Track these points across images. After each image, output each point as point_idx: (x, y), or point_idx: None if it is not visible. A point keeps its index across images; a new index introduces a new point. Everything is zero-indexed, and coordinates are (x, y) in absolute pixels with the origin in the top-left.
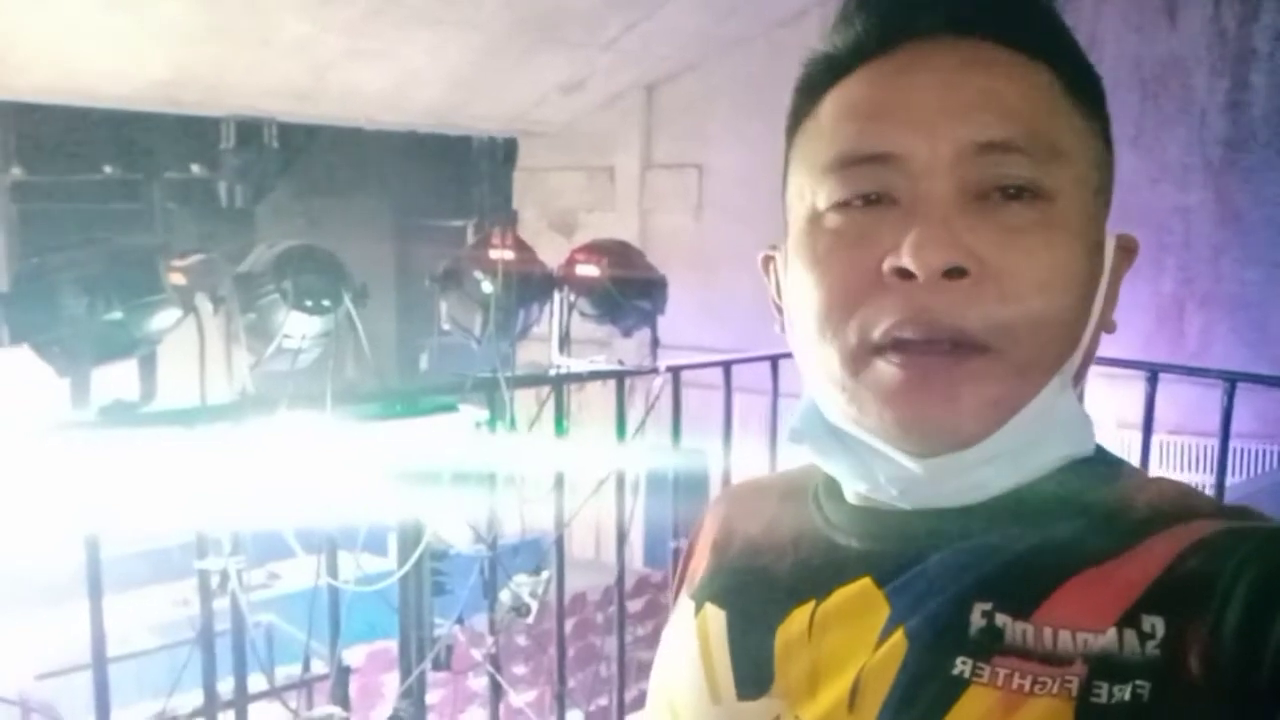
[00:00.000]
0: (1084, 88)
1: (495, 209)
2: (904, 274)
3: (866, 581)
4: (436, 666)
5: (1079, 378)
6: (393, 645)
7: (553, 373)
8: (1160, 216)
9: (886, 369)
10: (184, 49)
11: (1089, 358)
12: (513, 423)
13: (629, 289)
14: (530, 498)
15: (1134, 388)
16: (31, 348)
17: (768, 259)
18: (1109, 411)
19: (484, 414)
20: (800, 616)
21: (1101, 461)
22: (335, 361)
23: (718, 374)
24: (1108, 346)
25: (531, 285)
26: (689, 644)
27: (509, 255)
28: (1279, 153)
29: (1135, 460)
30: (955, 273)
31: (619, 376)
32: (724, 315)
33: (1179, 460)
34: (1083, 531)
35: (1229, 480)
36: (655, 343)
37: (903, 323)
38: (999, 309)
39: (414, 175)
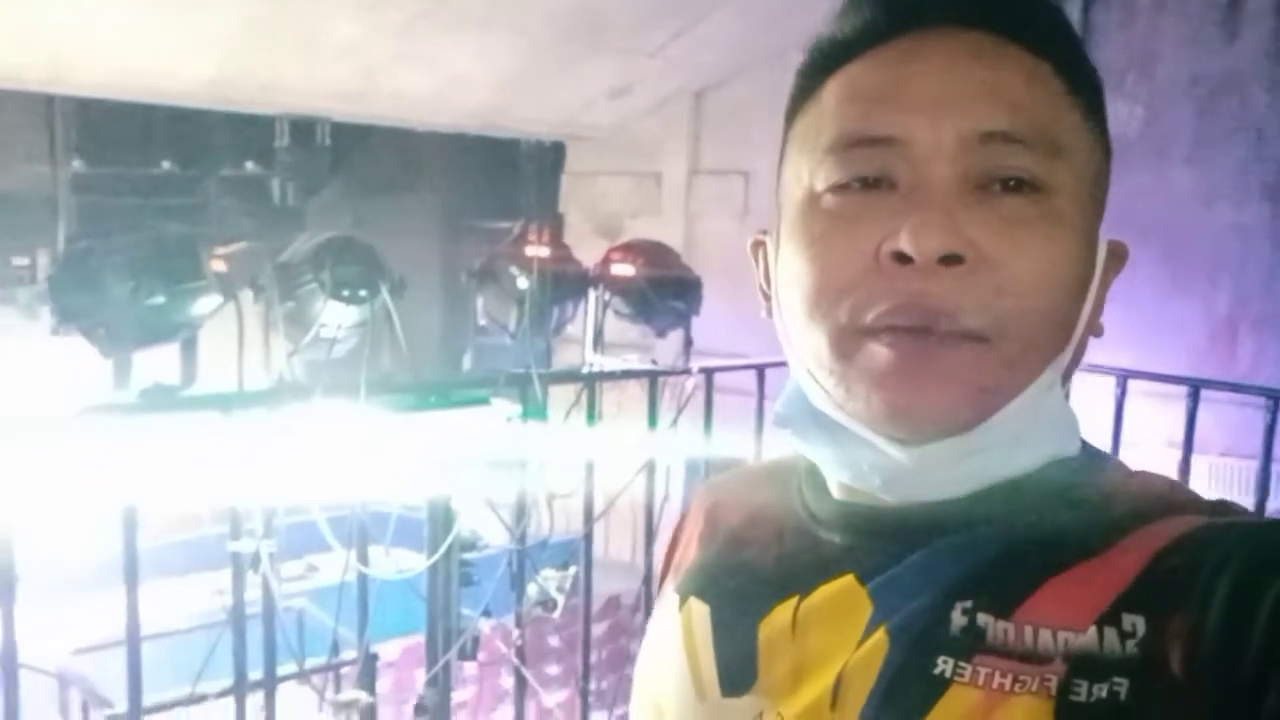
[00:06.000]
0: (1085, 87)
1: (542, 211)
2: (901, 258)
3: (849, 579)
4: (463, 656)
5: (1067, 378)
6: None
7: (585, 370)
8: (1215, 235)
9: (878, 350)
10: (240, 48)
11: (1077, 359)
12: (545, 417)
13: (663, 288)
14: (560, 494)
15: (1183, 409)
16: (77, 329)
17: (758, 244)
18: (1158, 432)
19: (516, 409)
20: (783, 612)
21: (1085, 458)
22: (371, 352)
23: (753, 381)
24: (1153, 362)
25: (566, 282)
26: (674, 639)
27: (544, 252)
28: None
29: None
30: (952, 260)
31: (652, 376)
32: (768, 322)
33: (1230, 483)
34: (1064, 529)
35: (1271, 504)
36: (689, 343)
37: (896, 309)
38: (994, 299)
39: (462, 176)
